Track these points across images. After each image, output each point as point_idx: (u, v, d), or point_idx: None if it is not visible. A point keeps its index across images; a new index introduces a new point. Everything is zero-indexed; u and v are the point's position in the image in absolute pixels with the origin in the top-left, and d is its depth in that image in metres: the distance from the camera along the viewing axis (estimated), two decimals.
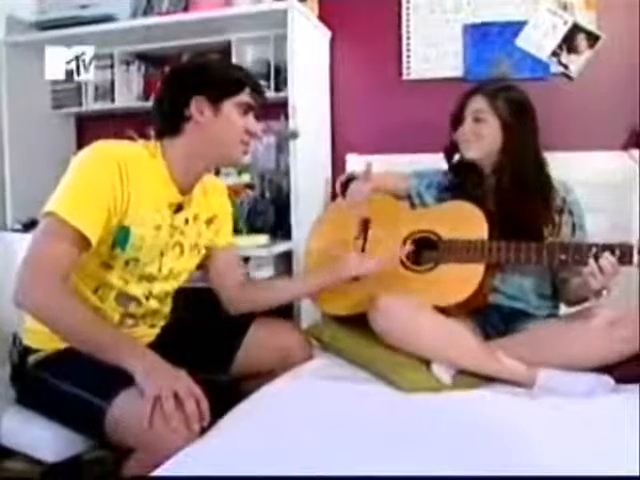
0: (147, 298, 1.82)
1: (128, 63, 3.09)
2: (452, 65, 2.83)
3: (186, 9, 2.84)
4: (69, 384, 1.58)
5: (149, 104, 2.95)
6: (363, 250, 2.19)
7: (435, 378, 1.80)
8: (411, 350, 1.86)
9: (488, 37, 2.77)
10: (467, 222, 2.02)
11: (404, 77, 2.89)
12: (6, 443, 1.69)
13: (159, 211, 1.75)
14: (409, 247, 2.12)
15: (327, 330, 2.19)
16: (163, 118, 1.78)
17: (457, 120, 2.14)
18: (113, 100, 3.08)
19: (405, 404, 1.67)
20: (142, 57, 3.12)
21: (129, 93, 3.09)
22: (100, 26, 2.85)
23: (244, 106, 1.78)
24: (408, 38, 2.87)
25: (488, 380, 1.80)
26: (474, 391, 1.76)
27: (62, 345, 1.63)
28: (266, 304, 2.07)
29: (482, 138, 2.07)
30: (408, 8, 2.85)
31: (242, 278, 2.07)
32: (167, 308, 1.96)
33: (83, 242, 1.57)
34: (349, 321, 2.13)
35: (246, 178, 2.97)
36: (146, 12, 2.91)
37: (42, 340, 1.68)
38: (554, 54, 2.70)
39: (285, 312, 2.61)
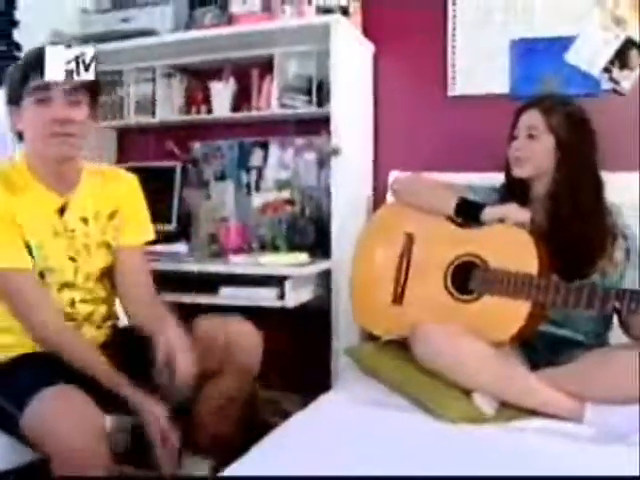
0: (72, 305, 1.85)
1: (170, 76, 3.08)
2: (499, 81, 2.74)
3: (229, 22, 2.81)
4: None
5: (190, 117, 3.01)
6: (407, 269, 2.13)
7: (476, 408, 1.73)
8: (450, 378, 1.80)
9: (536, 52, 2.69)
10: (516, 250, 1.90)
11: (449, 93, 2.82)
12: None
13: (48, 218, 1.78)
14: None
15: (366, 351, 2.16)
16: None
17: (510, 136, 2.08)
18: (154, 113, 3.07)
19: (443, 435, 1.62)
20: (184, 70, 3.11)
21: (170, 106, 3.07)
22: (141, 40, 2.86)
23: (37, 92, 1.67)
24: (454, 53, 2.80)
25: (532, 413, 1.73)
26: (517, 423, 1.69)
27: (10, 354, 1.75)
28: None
29: (534, 156, 2.01)
30: (454, 23, 2.79)
31: (146, 290, 1.95)
32: (103, 308, 1.95)
33: (26, 272, 1.72)
34: (391, 344, 2.09)
35: (286, 194, 2.95)
36: (188, 26, 2.89)
37: None
38: (606, 70, 2.61)
39: (322, 330, 2.60)
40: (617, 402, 1.65)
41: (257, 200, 3.00)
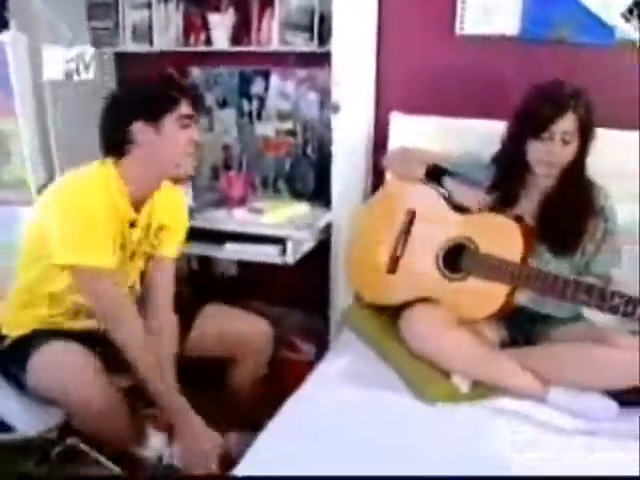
0: None
1: (166, 1, 2.90)
2: (510, 22, 2.57)
3: None
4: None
5: (189, 48, 2.88)
6: (405, 243, 2.23)
7: (454, 387, 1.93)
8: (432, 362, 1.99)
9: None
10: (504, 237, 2.03)
11: (457, 32, 2.65)
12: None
13: (122, 230, 1.90)
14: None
15: (360, 316, 2.33)
16: (109, 143, 1.89)
17: (536, 129, 1.99)
18: (151, 42, 2.95)
19: (422, 415, 1.86)
20: None
21: (168, 34, 2.94)
22: None
23: (184, 119, 1.86)
24: None
25: (503, 391, 1.93)
26: (487, 402, 1.91)
27: (22, 332, 1.91)
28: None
29: (563, 159, 2.01)
30: None
31: (164, 307, 2.04)
32: None
33: (113, 274, 1.83)
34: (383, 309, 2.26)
35: (288, 125, 2.94)
36: None
37: (8, 328, 1.95)
38: (624, 17, 2.43)
39: (319, 297, 2.73)
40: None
41: (260, 129, 2.99)
